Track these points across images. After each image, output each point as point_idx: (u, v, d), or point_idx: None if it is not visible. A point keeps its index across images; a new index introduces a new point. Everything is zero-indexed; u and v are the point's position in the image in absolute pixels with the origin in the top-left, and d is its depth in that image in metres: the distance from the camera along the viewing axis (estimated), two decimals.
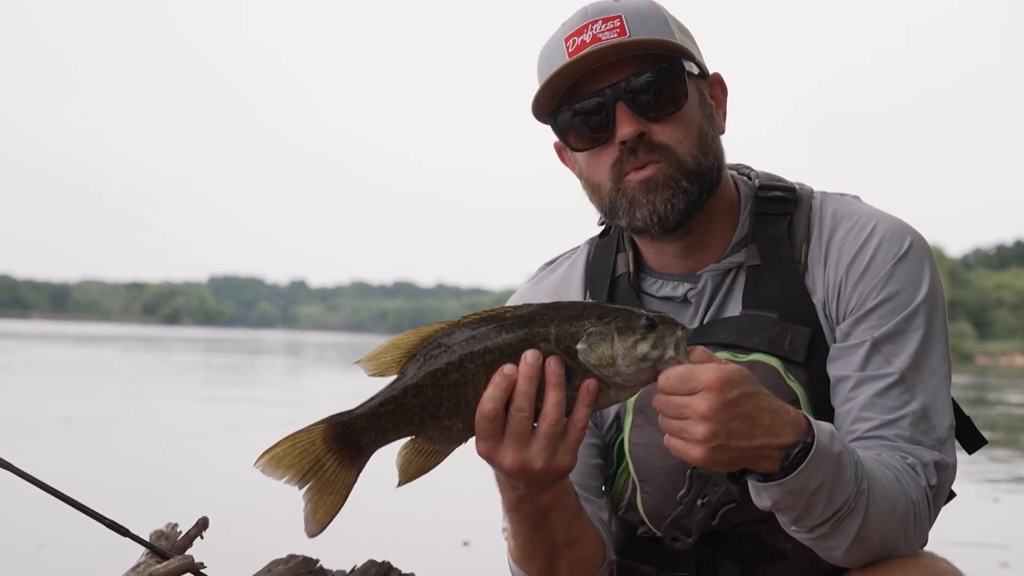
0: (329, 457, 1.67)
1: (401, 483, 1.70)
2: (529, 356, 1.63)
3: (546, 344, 1.64)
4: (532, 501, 1.79)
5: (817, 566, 1.88)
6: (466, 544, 6.75)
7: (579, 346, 1.64)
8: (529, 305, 1.68)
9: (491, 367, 1.64)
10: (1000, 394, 28.35)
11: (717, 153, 2.00)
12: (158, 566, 2.08)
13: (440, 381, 1.66)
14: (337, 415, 1.68)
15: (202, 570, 2.11)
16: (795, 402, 1.90)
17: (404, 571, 2.17)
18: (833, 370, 1.93)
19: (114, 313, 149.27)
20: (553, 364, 1.63)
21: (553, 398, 1.63)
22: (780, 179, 2.10)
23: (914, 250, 1.95)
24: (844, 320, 1.94)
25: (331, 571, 2.15)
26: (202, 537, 2.21)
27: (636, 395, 1.90)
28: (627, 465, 1.99)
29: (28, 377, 23.01)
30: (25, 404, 15.85)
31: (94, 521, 2.11)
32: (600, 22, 1.92)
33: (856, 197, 2.07)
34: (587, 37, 1.92)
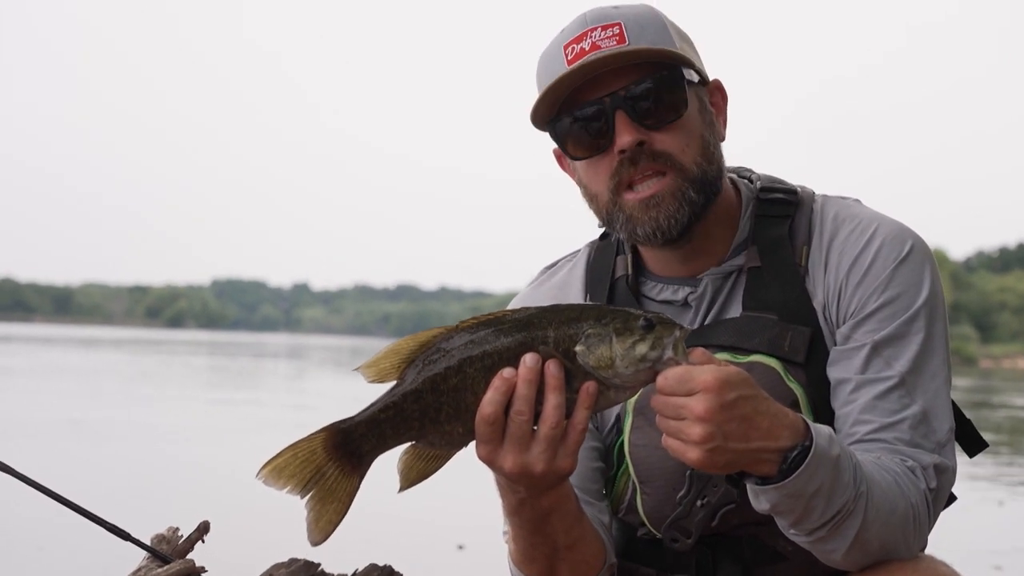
0: (330, 465, 1.66)
1: (403, 488, 1.69)
2: (528, 359, 1.63)
3: (545, 347, 1.64)
4: (533, 504, 1.79)
5: (816, 568, 1.88)
6: (461, 548, 6.75)
7: (578, 348, 1.64)
8: (527, 309, 1.68)
9: (490, 371, 1.64)
10: (1004, 397, 28.32)
11: (719, 161, 2.00)
12: (159, 570, 2.07)
13: (440, 386, 1.66)
14: (337, 423, 1.67)
15: (203, 574, 2.11)
16: (794, 403, 1.90)
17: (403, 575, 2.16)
18: (833, 373, 1.93)
19: (117, 316, 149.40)
20: (552, 367, 1.63)
21: (553, 401, 1.63)
22: (781, 181, 2.10)
23: (915, 253, 1.95)
24: (844, 323, 1.94)
25: (332, 575, 2.15)
26: (203, 541, 2.20)
27: (636, 396, 1.91)
28: (627, 467, 1.99)
29: (30, 380, 23.02)
30: (27, 407, 15.87)
31: (95, 525, 2.10)
32: (599, 29, 1.92)
33: (857, 200, 2.07)
34: (586, 44, 1.91)
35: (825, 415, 1.93)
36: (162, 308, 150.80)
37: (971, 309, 73.36)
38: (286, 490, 1.66)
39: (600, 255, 2.16)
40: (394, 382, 1.68)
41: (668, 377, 1.62)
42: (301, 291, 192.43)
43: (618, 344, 1.63)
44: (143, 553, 2.13)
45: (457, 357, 1.66)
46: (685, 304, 2.04)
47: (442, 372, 1.66)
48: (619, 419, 2.02)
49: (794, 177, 2.11)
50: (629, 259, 2.10)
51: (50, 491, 2.09)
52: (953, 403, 1.96)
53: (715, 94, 2.05)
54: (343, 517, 1.68)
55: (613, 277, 2.11)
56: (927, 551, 1.90)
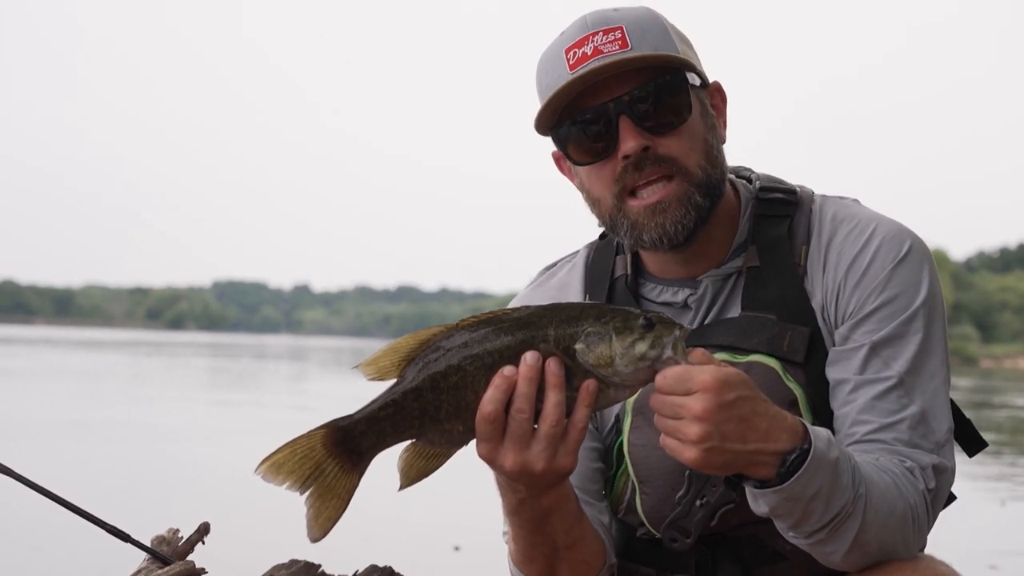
0: (330, 462, 1.67)
1: (403, 487, 1.70)
2: (529, 357, 1.63)
3: (545, 345, 1.65)
4: (533, 504, 1.79)
5: (816, 568, 1.88)
6: (457, 549, 6.75)
7: (578, 346, 1.64)
8: (527, 307, 1.69)
9: (490, 369, 1.64)
10: (1005, 397, 28.32)
11: (722, 163, 2.00)
12: (159, 571, 2.07)
13: (440, 384, 1.66)
14: (337, 420, 1.68)
15: (203, 575, 2.11)
16: (793, 403, 1.90)
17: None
18: (832, 373, 1.93)
19: (118, 318, 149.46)
20: (553, 365, 1.63)
21: (553, 399, 1.63)
22: (781, 181, 2.09)
23: (913, 254, 1.95)
24: (843, 323, 1.94)
25: None
26: (203, 542, 2.20)
27: (635, 396, 1.91)
28: (626, 467, 1.99)
29: (31, 382, 23.03)
30: (27, 409, 15.87)
31: (95, 526, 2.10)
32: (601, 33, 1.91)
33: (856, 200, 2.07)
34: (588, 49, 1.91)
35: (824, 415, 1.93)
36: (163, 310, 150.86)
37: (972, 309, 73.36)
38: (285, 486, 1.66)
39: (599, 256, 2.16)
40: (394, 380, 1.68)
41: (667, 376, 1.62)
42: (302, 292, 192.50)
43: (618, 343, 1.63)
44: (143, 555, 2.13)
45: (457, 355, 1.66)
46: (685, 306, 2.04)
47: (442, 370, 1.66)
48: (618, 419, 2.02)
49: (794, 177, 2.12)
50: (628, 260, 2.10)
51: (50, 493, 2.09)
52: (952, 403, 1.96)
53: (715, 96, 2.05)
54: (342, 514, 1.68)
55: (612, 277, 2.11)
56: (926, 551, 1.90)
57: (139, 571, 2.11)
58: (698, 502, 1.93)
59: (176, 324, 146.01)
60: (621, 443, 2.00)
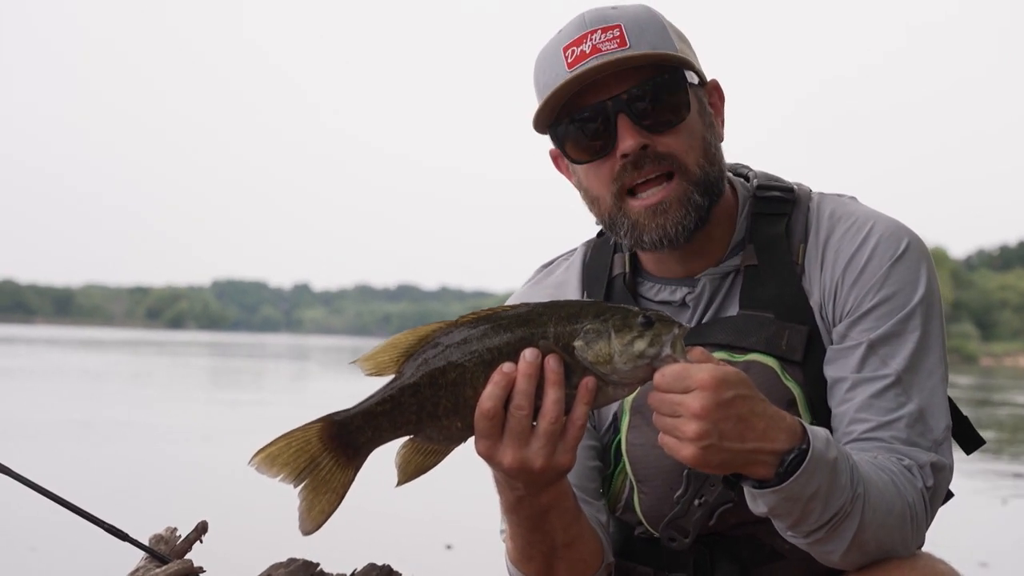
0: (325, 456, 1.66)
1: (400, 483, 1.69)
2: (528, 354, 1.63)
3: (545, 342, 1.64)
4: (531, 502, 1.79)
5: (814, 567, 1.88)
6: (449, 547, 6.75)
7: (577, 343, 1.64)
8: (527, 304, 1.68)
9: (489, 366, 1.64)
10: (1006, 395, 28.33)
11: (720, 162, 2.00)
12: (157, 570, 2.07)
13: (438, 380, 1.66)
14: (334, 414, 1.67)
15: (201, 574, 2.10)
16: (792, 402, 1.90)
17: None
18: (830, 372, 1.93)
19: (118, 318, 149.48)
20: (552, 362, 1.63)
21: (552, 396, 1.63)
22: (778, 179, 2.09)
23: (911, 251, 1.94)
24: (841, 322, 1.94)
25: (331, 574, 2.15)
26: (201, 541, 2.20)
27: (634, 396, 1.90)
28: (624, 465, 1.99)
29: (30, 382, 23.03)
30: (26, 408, 15.88)
31: (93, 525, 2.10)
32: (599, 31, 1.91)
33: (853, 198, 2.07)
34: (587, 47, 1.90)
35: (822, 414, 1.93)
36: (163, 309, 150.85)
37: (972, 307, 73.37)
38: (279, 478, 1.65)
39: (597, 254, 2.15)
40: (392, 376, 1.68)
41: (665, 374, 1.62)
42: (302, 292, 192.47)
43: (617, 340, 1.63)
44: (141, 553, 2.13)
45: (456, 352, 1.66)
46: (683, 304, 2.04)
47: (441, 366, 1.66)
48: (616, 418, 2.02)
49: (794, 177, 2.11)
50: (626, 258, 2.10)
51: (48, 492, 2.09)
52: (950, 400, 1.96)
53: (713, 95, 2.04)
54: (336, 508, 1.67)
55: (610, 276, 2.11)
56: (924, 548, 1.90)
57: (137, 570, 2.10)
58: (696, 501, 1.93)
59: (176, 323, 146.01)
60: (619, 442, 1.99)
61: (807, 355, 1.93)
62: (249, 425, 14.31)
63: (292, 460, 1.65)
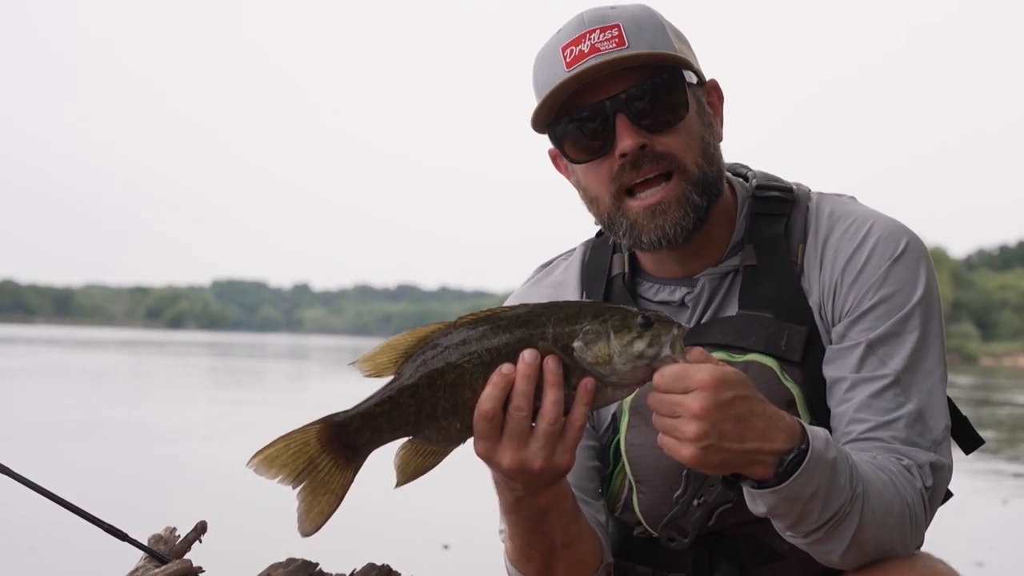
0: (324, 457, 1.66)
1: (399, 484, 1.69)
2: (527, 355, 1.63)
3: (544, 343, 1.64)
4: (530, 502, 1.79)
5: (813, 567, 1.88)
6: (446, 547, 6.75)
7: (576, 344, 1.64)
8: (525, 305, 1.68)
9: (488, 367, 1.64)
10: (1006, 395, 28.32)
11: (719, 161, 2.00)
12: (156, 570, 2.07)
13: (437, 381, 1.65)
14: (332, 415, 1.67)
15: (200, 574, 2.10)
16: (791, 402, 1.90)
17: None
18: (829, 372, 1.93)
19: (118, 318, 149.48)
20: (551, 363, 1.63)
21: (551, 397, 1.63)
22: (777, 179, 2.09)
23: (910, 251, 1.94)
24: (840, 322, 1.94)
25: (330, 574, 2.14)
26: (200, 541, 2.20)
27: (633, 395, 1.90)
28: (623, 466, 1.99)
29: (30, 381, 23.03)
30: (25, 408, 15.89)
31: (92, 525, 2.10)
32: (598, 31, 1.91)
33: (852, 198, 2.07)
34: (585, 47, 1.90)
35: (822, 414, 1.93)
36: (163, 309, 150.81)
37: (972, 307, 73.38)
38: (277, 480, 1.65)
39: (596, 254, 2.15)
40: (391, 377, 1.68)
41: (665, 375, 1.62)
42: (302, 292, 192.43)
43: (616, 341, 1.63)
44: (140, 553, 2.13)
45: (455, 353, 1.65)
46: (682, 304, 2.04)
47: (440, 368, 1.65)
48: (615, 418, 2.02)
49: (794, 177, 2.11)
50: (625, 258, 2.10)
51: (47, 492, 2.09)
52: (949, 400, 1.96)
53: (712, 94, 2.04)
54: (335, 509, 1.67)
55: (609, 275, 2.11)
56: (924, 548, 1.90)
57: (136, 570, 2.10)
58: (695, 502, 1.93)
59: (176, 323, 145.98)
60: (618, 442, 1.99)
61: (806, 355, 1.93)
62: (249, 425, 14.32)
63: (291, 461, 1.65)
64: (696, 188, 1.93)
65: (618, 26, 1.91)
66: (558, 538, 1.86)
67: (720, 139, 2.03)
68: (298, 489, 1.65)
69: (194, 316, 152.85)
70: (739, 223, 2.04)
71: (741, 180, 2.10)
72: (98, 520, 2.09)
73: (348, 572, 2.10)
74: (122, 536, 2.09)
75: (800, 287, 1.97)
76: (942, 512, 1.95)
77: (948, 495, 1.97)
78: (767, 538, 1.93)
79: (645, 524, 2.00)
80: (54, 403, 17.14)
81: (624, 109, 1.91)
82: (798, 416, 1.85)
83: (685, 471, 1.91)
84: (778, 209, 2.03)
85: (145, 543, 2.13)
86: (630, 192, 1.94)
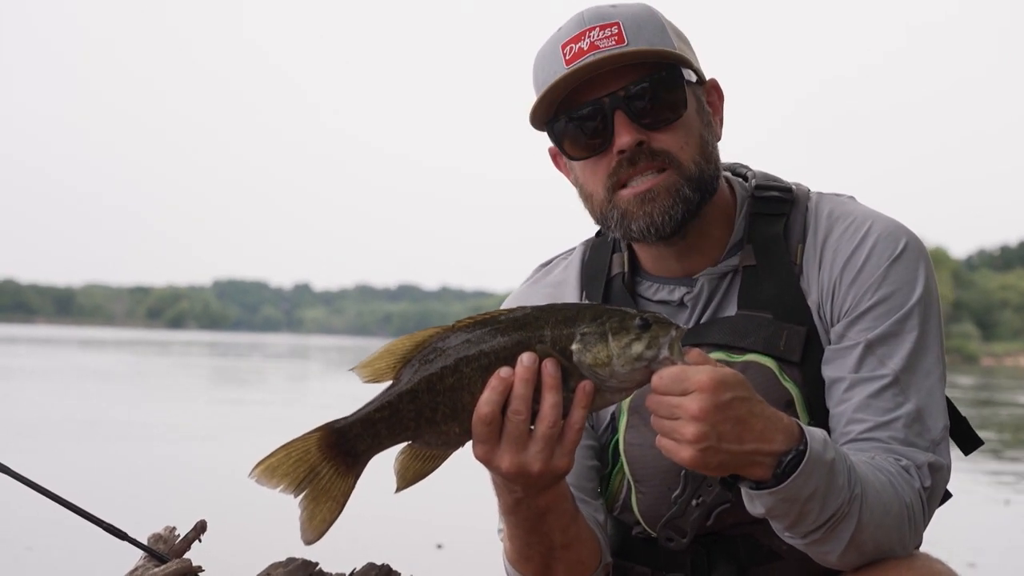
0: (325, 465, 1.66)
1: (399, 489, 1.69)
2: (525, 359, 1.63)
3: (542, 346, 1.64)
4: (529, 504, 1.79)
5: (812, 567, 1.88)
6: (440, 547, 6.74)
7: (574, 347, 1.64)
8: (523, 308, 1.68)
9: (487, 371, 1.64)
10: (1007, 395, 28.30)
11: (716, 160, 2.00)
12: (156, 569, 2.07)
13: (436, 386, 1.65)
14: (332, 422, 1.67)
15: (200, 573, 2.10)
16: (790, 402, 1.90)
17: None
18: (827, 372, 1.93)
19: (118, 317, 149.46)
20: (549, 366, 1.63)
21: (550, 400, 1.63)
22: (777, 179, 2.09)
23: (909, 251, 1.94)
24: (839, 322, 1.94)
25: (330, 574, 2.15)
26: (200, 540, 2.20)
27: (631, 396, 1.90)
28: (622, 466, 1.99)
29: (30, 381, 23.03)
30: (26, 408, 15.89)
31: (92, 524, 2.10)
32: (598, 29, 1.91)
33: (851, 197, 2.07)
34: (584, 44, 1.91)
35: (820, 414, 1.93)
36: (163, 309, 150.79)
37: (973, 307, 73.33)
38: (279, 489, 1.65)
39: (595, 253, 2.15)
40: (390, 382, 1.68)
41: (663, 376, 1.62)
42: (302, 291, 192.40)
43: (614, 343, 1.63)
44: (140, 553, 2.13)
45: (453, 357, 1.65)
46: (681, 304, 2.04)
47: (438, 372, 1.65)
48: (614, 418, 2.02)
49: (794, 177, 2.11)
50: (625, 257, 2.10)
51: (47, 491, 2.09)
52: (948, 401, 1.96)
53: (711, 93, 2.05)
54: (337, 516, 1.67)
55: (609, 275, 2.11)
56: (922, 548, 1.90)
57: (136, 569, 2.10)
58: (694, 502, 1.93)
59: (177, 323, 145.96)
60: (617, 442, 1.99)
61: (805, 355, 1.93)
62: (249, 424, 14.32)
63: (292, 470, 1.65)
64: (689, 183, 1.93)
65: (618, 24, 1.91)
66: (557, 539, 1.86)
67: (719, 138, 2.03)
68: (300, 497, 1.66)
69: (195, 316, 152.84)
70: (738, 223, 2.04)
71: (741, 180, 2.10)
72: (98, 519, 2.09)
73: (348, 572, 2.11)
74: (122, 535, 2.09)
75: (799, 287, 1.97)
76: (939, 513, 1.95)
77: (947, 496, 1.97)
78: (765, 538, 1.93)
79: (644, 524, 2.00)
80: (54, 403, 17.14)
81: (622, 106, 1.91)
82: (797, 417, 1.85)
83: (683, 471, 1.91)
84: (777, 209, 2.03)
85: (145, 542, 2.13)
86: (624, 185, 1.94)
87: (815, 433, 1.70)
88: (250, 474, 1.65)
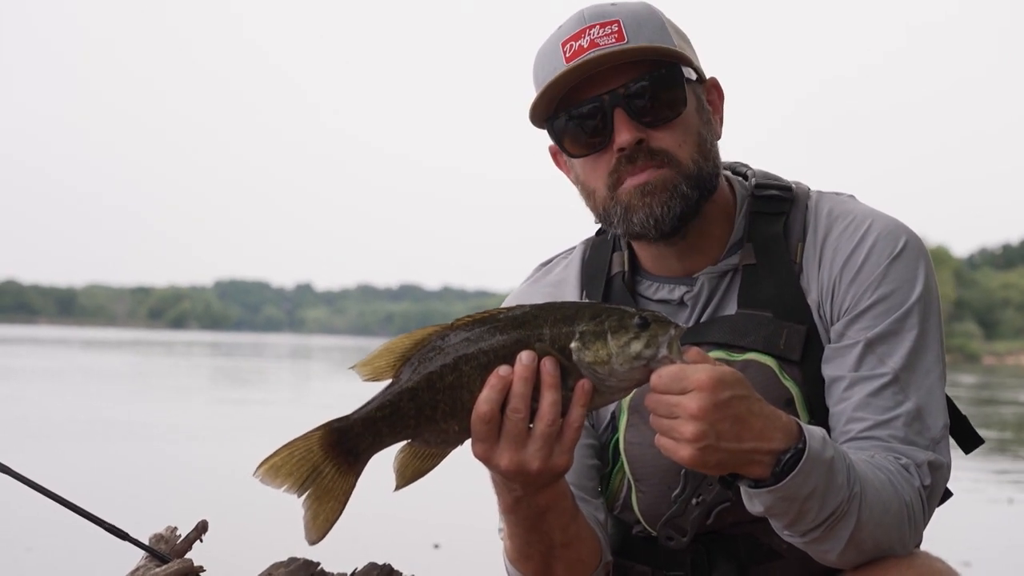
0: (327, 464, 1.67)
1: (398, 487, 1.70)
2: (524, 357, 1.63)
3: (541, 344, 1.64)
4: (529, 502, 1.79)
5: (812, 566, 1.88)
6: (437, 547, 6.74)
7: (573, 345, 1.64)
8: (523, 306, 1.68)
9: (486, 369, 1.64)
10: (1011, 394, 28.29)
11: (715, 158, 2.00)
12: (157, 570, 2.07)
13: (435, 384, 1.66)
14: (333, 421, 1.68)
15: (201, 574, 2.11)
16: (790, 401, 1.90)
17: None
18: (827, 370, 1.93)
19: (120, 318, 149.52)
20: (548, 364, 1.63)
21: (549, 398, 1.63)
22: (777, 178, 2.09)
23: (908, 250, 1.94)
24: (838, 320, 1.94)
25: (332, 574, 2.15)
26: (201, 540, 2.20)
27: (632, 394, 1.90)
28: (622, 465, 1.99)
29: (31, 382, 23.04)
30: (27, 408, 15.90)
31: (93, 525, 2.10)
32: (598, 27, 1.92)
33: (851, 196, 2.07)
34: (584, 42, 1.91)
35: (820, 413, 1.93)
36: (165, 309, 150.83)
37: (974, 306, 73.30)
38: (283, 488, 1.66)
39: (596, 252, 2.15)
40: (389, 380, 1.68)
41: (662, 375, 1.62)
42: (304, 291, 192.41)
43: (613, 342, 1.63)
44: (141, 553, 2.13)
45: (453, 355, 1.65)
46: (681, 303, 2.04)
47: (438, 370, 1.65)
48: (614, 417, 2.02)
49: (794, 177, 2.11)
50: (625, 256, 2.10)
51: (48, 491, 2.09)
52: (948, 399, 1.96)
53: (712, 92, 2.05)
54: (339, 515, 1.68)
55: (609, 274, 2.11)
56: (923, 547, 1.90)
57: (137, 569, 2.11)
58: (694, 500, 1.93)
59: (179, 323, 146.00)
60: (617, 441, 2.00)
61: (805, 354, 1.94)
62: (250, 424, 14.33)
63: (295, 470, 1.65)
64: (688, 181, 1.94)
65: (618, 22, 1.92)
66: (557, 537, 1.86)
67: (719, 137, 2.03)
68: (303, 497, 1.66)
69: (196, 316, 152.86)
70: (738, 222, 2.04)
71: (740, 179, 2.10)
72: (99, 519, 2.09)
73: (349, 572, 2.11)
74: (123, 535, 2.09)
75: (799, 286, 1.98)
76: (939, 511, 1.95)
77: (948, 494, 1.97)
78: (765, 537, 1.93)
79: (644, 523, 2.00)
80: (56, 403, 17.15)
81: (622, 104, 1.92)
82: (797, 415, 1.85)
83: (684, 470, 1.91)
84: (777, 208, 2.03)
85: (146, 542, 2.13)
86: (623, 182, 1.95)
87: (814, 431, 1.70)
88: (254, 473, 1.65)
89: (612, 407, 2.01)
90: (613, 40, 1.90)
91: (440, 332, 1.67)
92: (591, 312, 1.66)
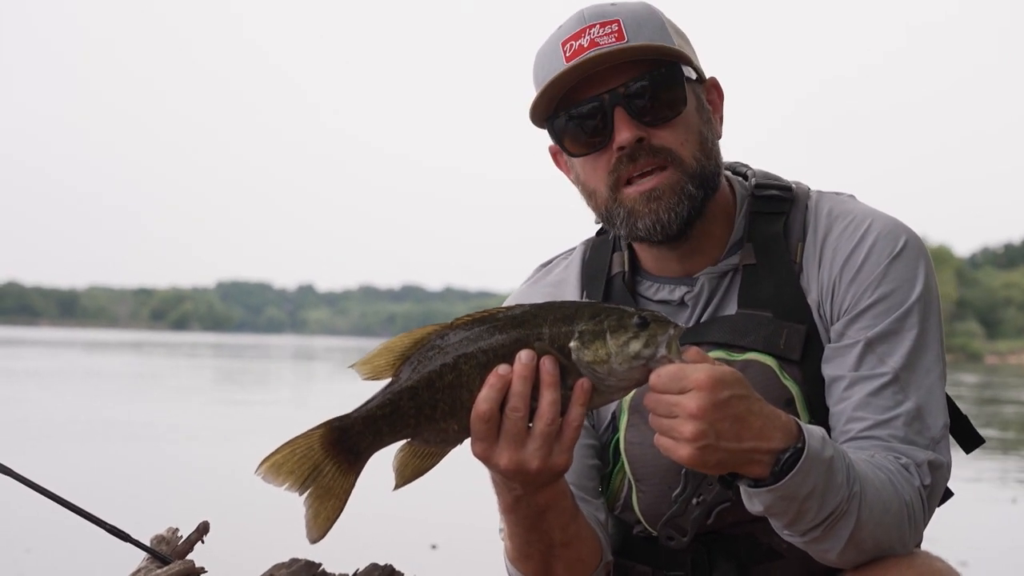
0: (328, 462, 1.67)
1: (398, 486, 1.70)
2: (523, 356, 1.63)
3: (540, 344, 1.64)
4: (528, 502, 1.79)
5: (812, 565, 1.88)
6: (434, 547, 6.74)
7: (572, 344, 1.64)
8: (522, 305, 1.68)
9: (485, 368, 1.64)
10: (1013, 393, 28.26)
11: (716, 157, 2.00)
12: (159, 571, 2.07)
13: (435, 383, 1.66)
14: (334, 419, 1.68)
15: (203, 575, 2.11)
16: (790, 401, 1.90)
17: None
18: (827, 370, 1.93)
19: (122, 319, 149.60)
20: (547, 364, 1.63)
21: (548, 398, 1.63)
22: (777, 178, 2.09)
23: (908, 249, 1.94)
24: (838, 320, 1.94)
25: (333, 574, 2.15)
26: (203, 541, 2.20)
27: (632, 394, 1.91)
28: (623, 464, 1.99)
29: (33, 383, 23.06)
30: (28, 409, 15.91)
31: (95, 526, 2.10)
32: (598, 26, 1.92)
33: (851, 196, 2.07)
34: (584, 41, 1.91)
35: (821, 412, 1.93)
36: (167, 310, 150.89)
37: (977, 305, 73.24)
38: (284, 487, 1.66)
39: (596, 252, 2.15)
40: (389, 379, 1.68)
41: (661, 375, 1.62)
42: (306, 293, 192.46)
43: (612, 341, 1.63)
44: (143, 554, 2.13)
45: (452, 354, 1.66)
46: (681, 303, 2.04)
47: (437, 369, 1.66)
48: (615, 416, 2.02)
49: (794, 177, 2.11)
50: (626, 256, 2.10)
51: (50, 492, 2.09)
52: (949, 399, 1.96)
53: (712, 92, 2.05)
54: (340, 514, 1.68)
55: (609, 274, 2.11)
56: (923, 547, 1.90)
57: (138, 570, 2.11)
58: (694, 500, 1.93)
59: (180, 325, 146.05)
60: (617, 440, 2.00)
61: (805, 354, 1.94)
62: (251, 425, 14.34)
63: (296, 468, 1.66)
64: (692, 180, 1.94)
65: (618, 21, 1.92)
66: (557, 537, 1.86)
67: (719, 136, 2.04)
68: (304, 495, 1.66)
69: (198, 317, 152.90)
70: (738, 222, 2.04)
71: (740, 179, 2.10)
72: (100, 521, 2.09)
73: (351, 572, 2.11)
74: (124, 537, 2.09)
75: (799, 286, 1.98)
76: (939, 511, 1.95)
77: (948, 494, 1.97)
78: (766, 537, 1.93)
79: (644, 523, 2.00)
80: (57, 404, 17.16)
81: (622, 102, 1.92)
82: (797, 415, 1.85)
83: (684, 470, 1.91)
84: (777, 208, 2.03)
85: (147, 544, 2.13)
86: (628, 183, 1.95)
87: (813, 431, 1.70)
88: (256, 471, 1.65)
89: (612, 407, 2.01)
90: (613, 39, 1.91)
91: (440, 331, 1.67)
92: (590, 311, 1.66)
